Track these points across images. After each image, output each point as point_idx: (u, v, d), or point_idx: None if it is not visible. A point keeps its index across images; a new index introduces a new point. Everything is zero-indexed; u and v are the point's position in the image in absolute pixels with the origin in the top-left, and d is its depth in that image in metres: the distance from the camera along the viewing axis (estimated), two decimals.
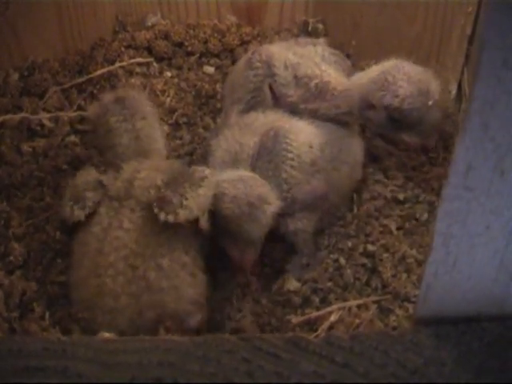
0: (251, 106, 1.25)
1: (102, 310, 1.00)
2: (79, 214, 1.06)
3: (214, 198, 1.06)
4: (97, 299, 1.01)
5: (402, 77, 1.16)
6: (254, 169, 1.14)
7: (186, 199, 1.01)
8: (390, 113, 1.16)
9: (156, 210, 1.01)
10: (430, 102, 1.14)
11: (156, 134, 1.16)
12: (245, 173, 1.11)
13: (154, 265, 1.00)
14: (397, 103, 1.14)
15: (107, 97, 1.16)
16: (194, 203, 1.02)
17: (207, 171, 1.08)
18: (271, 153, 1.14)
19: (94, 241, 1.03)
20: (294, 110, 1.23)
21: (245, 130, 1.20)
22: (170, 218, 1.00)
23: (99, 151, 1.21)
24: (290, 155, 1.14)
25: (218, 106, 1.43)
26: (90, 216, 1.06)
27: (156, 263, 1.00)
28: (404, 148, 1.23)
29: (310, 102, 1.22)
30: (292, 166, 1.14)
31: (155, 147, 1.15)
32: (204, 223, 1.05)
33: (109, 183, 1.07)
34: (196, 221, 1.04)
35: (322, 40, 1.39)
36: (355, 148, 1.24)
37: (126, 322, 0.99)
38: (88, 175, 1.10)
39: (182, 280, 1.02)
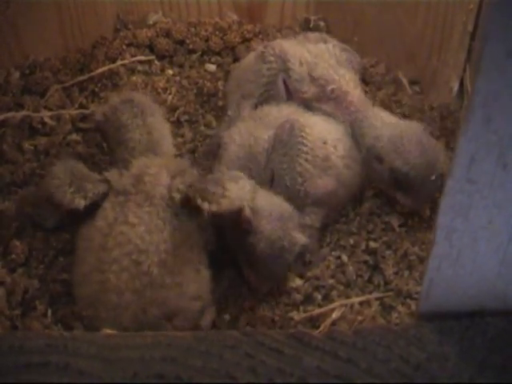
0: (264, 100, 1.26)
1: (106, 306, 1.00)
2: (80, 203, 1.05)
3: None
4: (100, 295, 1.00)
5: (416, 146, 1.14)
6: (268, 162, 1.15)
7: (227, 190, 1.01)
8: (395, 174, 1.15)
9: (199, 201, 1.00)
10: (434, 177, 1.13)
11: (165, 130, 1.17)
12: (282, 203, 1.10)
13: (157, 261, 1.00)
14: (405, 170, 1.14)
15: (114, 98, 1.17)
16: (235, 194, 1.01)
17: (242, 174, 1.08)
18: (286, 145, 1.14)
19: (98, 236, 1.03)
20: (307, 106, 1.24)
21: (259, 124, 1.21)
22: (213, 207, 1.00)
23: (108, 149, 1.22)
24: (305, 149, 1.14)
25: (220, 103, 1.43)
26: (95, 210, 1.06)
27: (160, 259, 1.00)
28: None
29: (323, 102, 1.24)
30: (307, 160, 1.14)
31: (164, 143, 1.16)
32: (248, 214, 1.04)
33: (113, 179, 1.07)
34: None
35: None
36: None
37: (130, 319, 0.99)
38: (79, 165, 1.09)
39: (186, 276, 1.02)
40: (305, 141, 1.14)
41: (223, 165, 1.18)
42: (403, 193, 1.17)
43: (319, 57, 1.27)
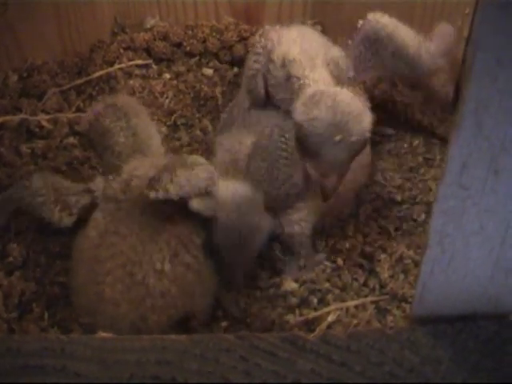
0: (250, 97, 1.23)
1: (104, 316, 1.00)
2: (68, 221, 1.06)
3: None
4: (97, 306, 1.01)
5: (326, 100, 1.03)
6: (248, 168, 1.14)
7: (176, 176, 1.00)
8: (296, 130, 1.05)
9: (146, 191, 1.00)
10: (338, 138, 1.01)
11: (151, 129, 1.15)
12: (243, 190, 1.10)
13: (152, 271, 1.00)
14: (301, 120, 1.03)
15: (97, 105, 1.15)
16: (185, 180, 1.00)
17: (203, 161, 1.06)
18: (265, 151, 1.14)
19: (90, 247, 1.03)
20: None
21: (249, 130, 1.19)
22: (160, 195, 0.99)
23: (98, 156, 1.20)
24: (284, 154, 1.12)
25: (217, 108, 1.44)
26: (86, 220, 1.06)
27: (155, 269, 1.00)
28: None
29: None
30: (286, 165, 1.12)
31: (152, 142, 1.13)
32: (198, 205, 1.03)
33: (99, 187, 1.07)
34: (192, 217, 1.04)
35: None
36: None
37: (128, 327, 0.99)
38: (45, 179, 1.09)
39: (187, 281, 1.02)
40: (284, 146, 1.12)
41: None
42: (308, 158, 1.06)
43: (306, 53, 1.19)
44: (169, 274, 1.00)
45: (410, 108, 1.39)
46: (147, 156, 1.10)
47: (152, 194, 0.99)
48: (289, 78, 1.17)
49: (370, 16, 1.26)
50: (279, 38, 1.23)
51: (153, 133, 1.15)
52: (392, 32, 1.24)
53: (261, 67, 1.21)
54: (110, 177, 1.07)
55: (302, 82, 1.14)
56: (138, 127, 1.11)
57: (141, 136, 1.11)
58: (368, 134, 1.05)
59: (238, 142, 1.18)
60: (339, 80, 1.19)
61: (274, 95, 1.21)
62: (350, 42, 1.27)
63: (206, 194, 1.03)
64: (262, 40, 1.23)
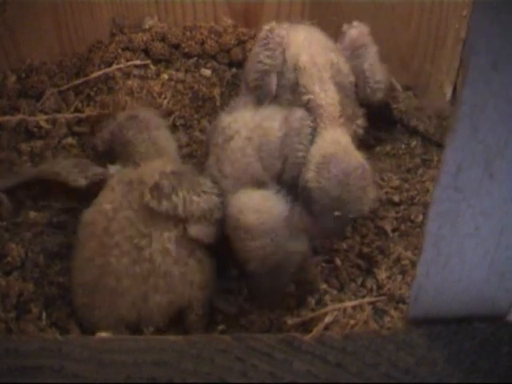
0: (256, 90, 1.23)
1: (103, 292, 1.01)
2: (81, 183, 1.10)
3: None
4: (99, 281, 1.01)
5: (338, 174, 1.06)
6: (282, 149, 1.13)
7: (177, 196, 1.02)
8: (304, 187, 1.08)
9: (147, 196, 1.02)
10: (337, 213, 1.06)
11: (170, 142, 1.18)
12: (275, 208, 1.04)
13: (161, 248, 1.01)
14: (309, 186, 1.07)
15: (120, 115, 1.19)
16: (182, 202, 1.03)
17: (216, 189, 1.08)
18: (299, 134, 1.14)
19: (102, 219, 1.04)
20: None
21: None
22: (152, 203, 1.02)
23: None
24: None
25: (215, 108, 1.44)
26: (101, 193, 1.08)
27: (163, 247, 1.02)
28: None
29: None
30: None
31: (169, 151, 1.16)
32: (197, 233, 1.05)
33: (116, 170, 1.11)
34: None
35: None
36: None
37: (127, 306, 1.01)
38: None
39: (190, 267, 1.03)
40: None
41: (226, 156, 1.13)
42: (307, 212, 1.09)
43: (315, 65, 1.21)
44: (173, 255, 1.02)
45: (405, 114, 1.40)
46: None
47: (146, 198, 1.02)
48: (297, 83, 1.19)
49: (355, 23, 1.30)
50: (289, 39, 1.24)
51: (171, 144, 1.18)
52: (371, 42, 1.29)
53: (276, 64, 1.22)
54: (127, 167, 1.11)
55: (310, 97, 1.16)
56: (158, 139, 1.15)
57: (160, 146, 1.15)
58: (366, 211, 1.11)
59: (260, 127, 1.15)
60: (341, 86, 1.20)
61: (282, 95, 1.21)
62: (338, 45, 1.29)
63: (207, 220, 1.05)
64: (274, 37, 1.23)
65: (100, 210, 1.06)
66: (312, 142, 1.12)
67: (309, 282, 1.11)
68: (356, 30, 1.28)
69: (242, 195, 1.05)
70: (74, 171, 1.13)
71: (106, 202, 1.06)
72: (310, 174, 1.08)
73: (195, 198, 1.04)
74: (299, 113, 1.14)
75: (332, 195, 1.06)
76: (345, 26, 1.30)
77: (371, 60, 1.29)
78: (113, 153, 1.18)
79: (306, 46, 1.23)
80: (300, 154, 1.11)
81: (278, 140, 1.12)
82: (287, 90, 1.21)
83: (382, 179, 1.29)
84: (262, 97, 1.22)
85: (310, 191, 1.07)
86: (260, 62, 1.23)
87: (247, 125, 1.14)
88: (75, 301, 1.04)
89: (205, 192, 1.06)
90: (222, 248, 1.08)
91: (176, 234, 1.03)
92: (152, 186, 1.02)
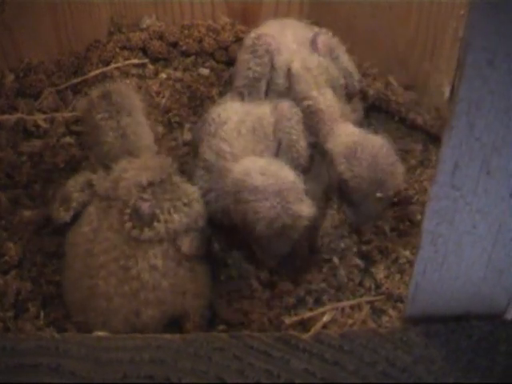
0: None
1: (96, 311, 1.00)
2: (64, 216, 1.06)
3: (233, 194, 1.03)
4: (90, 301, 1.01)
5: (367, 157, 1.09)
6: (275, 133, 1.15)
7: (158, 222, 1.00)
8: (340, 181, 1.11)
9: (127, 225, 1.00)
10: (379, 195, 1.09)
11: (143, 130, 1.12)
12: (282, 173, 1.03)
13: (147, 266, 1.00)
14: (347, 177, 1.09)
15: (95, 92, 1.12)
16: (164, 226, 1.01)
17: (197, 194, 1.06)
18: (291, 120, 1.16)
19: (84, 241, 1.03)
20: None
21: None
22: (134, 233, 1.00)
23: (88, 148, 1.18)
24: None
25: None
26: (80, 216, 1.05)
27: (150, 264, 1.00)
28: None
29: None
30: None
31: (143, 144, 1.11)
32: (189, 249, 1.03)
33: (98, 183, 1.06)
34: None
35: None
36: None
37: (121, 323, 1.00)
38: (80, 177, 1.09)
39: (180, 277, 1.02)
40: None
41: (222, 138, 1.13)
42: (348, 205, 1.14)
43: (309, 70, 1.21)
44: (160, 269, 1.00)
45: (404, 107, 1.40)
46: (138, 157, 1.08)
47: (134, 233, 1.00)
48: (288, 88, 1.21)
49: (316, 29, 1.33)
50: (278, 45, 1.25)
51: (144, 133, 1.12)
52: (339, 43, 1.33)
53: (265, 71, 1.24)
54: (102, 173, 1.07)
55: (309, 103, 1.18)
56: (129, 128, 1.09)
57: (131, 137, 1.09)
58: (402, 185, 1.16)
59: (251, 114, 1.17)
60: (334, 90, 1.22)
61: (270, 99, 1.22)
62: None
63: (195, 230, 1.04)
64: (262, 44, 1.25)
65: (80, 232, 1.04)
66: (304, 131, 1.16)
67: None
68: (324, 36, 1.30)
69: (247, 160, 1.06)
70: (55, 206, 1.08)
71: (84, 223, 1.04)
72: (341, 167, 1.10)
73: (176, 217, 1.02)
74: (287, 103, 1.17)
75: (368, 179, 1.09)
76: (311, 35, 1.30)
77: (345, 59, 1.32)
78: (85, 133, 1.14)
79: (295, 50, 1.25)
80: (294, 138, 1.14)
81: (271, 125, 1.14)
82: (275, 95, 1.23)
83: None
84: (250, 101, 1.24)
85: (346, 183, 1.10)
86: (249, 69, 1.25)
87: (237, 112, 1.16)
88: (70, 315, 1.04)
89: (186, 204, 1.04)
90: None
91: (161, 249, 1.01)
92: (131, 212, 1.00)
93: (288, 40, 1.27)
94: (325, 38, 1.30)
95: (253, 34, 1.29)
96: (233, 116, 1.15)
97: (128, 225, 0.99)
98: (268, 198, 0.99)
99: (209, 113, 1.20)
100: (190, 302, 1.03)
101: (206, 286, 1.06)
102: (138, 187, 1.02)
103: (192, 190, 1.06)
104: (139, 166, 1.06)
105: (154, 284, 1.00)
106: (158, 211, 1.01)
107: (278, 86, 1.23)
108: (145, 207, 1.00)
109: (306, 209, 1.01)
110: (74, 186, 1.07)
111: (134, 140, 1.09)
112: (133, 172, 1.04)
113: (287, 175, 1.03)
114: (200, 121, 1.26)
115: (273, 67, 1.23)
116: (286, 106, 1.16)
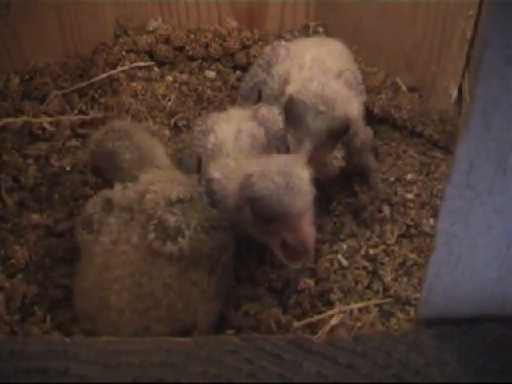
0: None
1: (105, 322, 0.99)
2: (89, 238, 1.04)
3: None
4: (100, 312, 1.00)
5: (320, 81, 1.12)
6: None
7: (183, 237, 0.99)
8: (287, 100, 1.11)
9: (149, 228, 0.99)
10: (321, 108, 1.08)
11: (153, 142, 1.16)
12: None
13: (161, 285, 0.99)
14: (293, 91, 1.11)
15: (95, 134, 1.15)
16: (187, 243, 0.99)
17: (223, 222, 1.05)
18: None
19: (101, 251, 1.01)
20: None
21: None
22: (155, 244, 0.99)
23: (110, 178, 1.14)
24: None
25: (220, 110, 1.43)
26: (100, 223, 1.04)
27: (164, 283, 0.99)
28: None
29: None
30: None
31: (157, 152, 1.14)
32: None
33: (117, 195, 1.05)
34: None
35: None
36: None
37: (130, 336, 0.98)
38: (98, 197, 1.07)
39: (193, 296, 1.01)
40: None
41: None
42: (291, 126, 1.11)
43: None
44: (176, 289, 0.99)
45: (410, 122, 1.39)
46: (155, 166, 1.09)
47: (155, 244, 0.99)
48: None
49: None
50: (286, 55, 1.28)
51: (155, 145, 1.15)
52: None
53: (259, 80, 1.28)
54: (128, 184, 1.06)
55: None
56: (141, 142, 1.12)
57: (145, 150, 1.11)
58: (351, 122, 1.12)
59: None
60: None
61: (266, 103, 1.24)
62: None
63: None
64: (270, 54, 1.29)
65: (98, 241, 1.02)
66: None
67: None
68: (283, 48, 1.30)
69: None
70: (79, 231, 1.06)
71: (103, 233, 1.03)
72: (293, 85, 1.13)
73: (203, 237, 1.01)
74: (264, 108, 1.19)
75: (314, 93, 1.10)
76: (268, 49, 1.33)
77: None
78: (103, 172, 1.14)
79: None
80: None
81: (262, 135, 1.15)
82: (271, 99, 1.23)
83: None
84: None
85: (291, 96, 1.10)
86: (252, 79, 1.31)
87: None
88: (78, 320, 1.03)
89: (214, 227, 1.03)
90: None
91: (178, 269, 1.00)
92: (157, 223, 0.99)
93: (306, 56, 1.26)
94: (285, 48, 1.30)
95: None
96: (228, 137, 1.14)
97: (151, 236, 0.99)
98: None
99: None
100: (201, 317, 1.02)
101: (217, 303, 1.04)
102: (166, 201, 1.02)
103: (220, 216, 1.05)
104: (166, 179, 1.06)
105: (167, 303, 0.99)
106: (184, 226, 1.00)
107: (272, 90, 1.25)
108: (172, 220, 1.00)
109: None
110: (94, 206, 1.06)
111: (148, 149, 1.12)
112: (161, 185, 1.04)
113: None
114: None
115: (269, 74, 1.27)
116: (264, 111, 1.17)
